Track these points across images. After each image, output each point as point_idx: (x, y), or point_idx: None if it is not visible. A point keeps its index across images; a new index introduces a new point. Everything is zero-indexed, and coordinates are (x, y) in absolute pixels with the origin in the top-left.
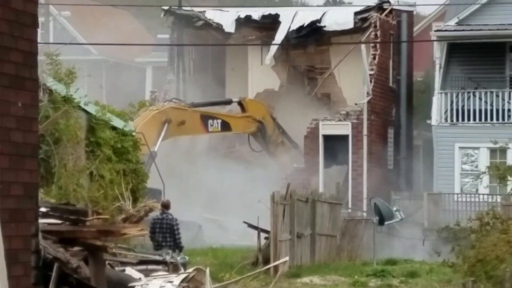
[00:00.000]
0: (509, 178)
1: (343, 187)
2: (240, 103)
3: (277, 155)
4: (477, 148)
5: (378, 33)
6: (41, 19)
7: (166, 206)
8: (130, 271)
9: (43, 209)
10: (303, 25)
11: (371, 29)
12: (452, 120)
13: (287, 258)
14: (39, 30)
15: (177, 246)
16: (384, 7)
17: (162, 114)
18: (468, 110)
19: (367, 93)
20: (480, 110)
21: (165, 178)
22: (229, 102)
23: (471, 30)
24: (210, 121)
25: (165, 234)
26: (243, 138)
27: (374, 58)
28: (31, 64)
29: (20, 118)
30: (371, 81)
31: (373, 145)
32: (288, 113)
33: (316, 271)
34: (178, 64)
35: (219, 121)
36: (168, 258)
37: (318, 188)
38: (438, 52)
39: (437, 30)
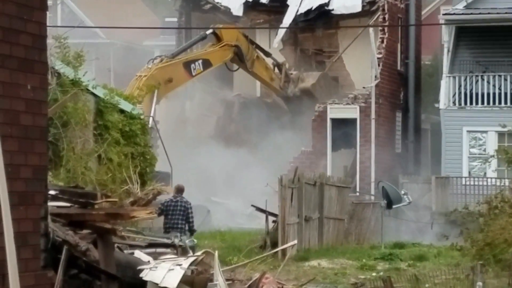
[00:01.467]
0: None
1: (351, 170)
2: (215, 33)
3: (254, 71)
4: (485, 131)
5: (386, 16)
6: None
7: (180, 190)
8: (139, 254)
9: (52, 192)
10: (311, 8)
11: (379, 13)
12: (460, 104)
13: (295, 242)
14: (47, 13)
15: (190, 229)
16: None
17: (151, 80)
18: (476, 94)
19: (375, 76)
20: (488, 94)
21: (172, 161)
22: (204, 37)
23: (479, 13)
24: (192, 65)
25: (178, 216)
26: (251, 119)
27: (382, 42)
28: (40, 47)
29: (29, 101)
30: (379, 65)
31: (381, 129)
32: (296, 97)
33: (324, 254)
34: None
35: (200, 61)
36: (176, 241)
37: (326, 172)
38: (446, 36)
39: (445, 14)
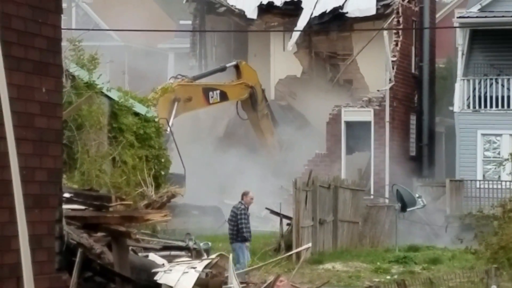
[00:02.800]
0: None
1: (365, 173)
2: (236, 67)
3: (261, 126)
4: (500, 134)
5: (401, 19)
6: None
7: (243, 194)
8: (153, 257)
9: (66, 195)
10: (325, 11)
11: (393, 16)
12: (474, 107)
13: (309, 245)
14: (62, 16)
15: (240, 236)
16: None
17: (171, 93)
18: (491, 97)
19: (390, 79)
20: (502, 97)
21: (186, 163)
22: (223, 68)
23: (494, 16)
24: (210, 93)
25: (230, 223)
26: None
27: (397, 45)
28: (55, 50)
29: (44, 103)
30: (393, 68)
31: (395, 132)
32: (310, 100)
33: (338, 257)
34: (200, 51)
35: (218, 91)
36: (191, 244)
37: (340, 175)
38: (461, 39)
39: (460, 17)
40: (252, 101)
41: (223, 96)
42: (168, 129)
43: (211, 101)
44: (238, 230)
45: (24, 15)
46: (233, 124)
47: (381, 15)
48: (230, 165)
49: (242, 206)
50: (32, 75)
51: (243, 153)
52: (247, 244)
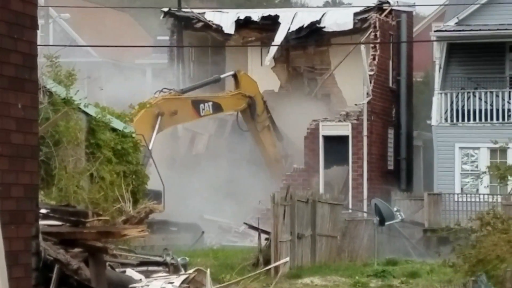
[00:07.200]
0: (509, 178)
1: (343, 187)
2: (235, 76)
3: (261, 137)
4: (477, 148)
5: (378, 33)
6: (41, 22)
7: None
8: (130, 272)
9: (43, 211)
10: (303, 26)
11: (370, 30)
12: (452, 120)
13: (287, 259)
14: (38, 32)
15: None
16: (384, 7)
17: (155, 108)
18: (468, 110)
19: (367, 93)
20: (480, 110)
21: (164, 179)
22: (217, 79)
23: (471, 30)
24: (201, 105)
25: None
26: (243, 138)
27: (374, 59)
28: (31, 66)
29: (20, 119)
30: (371, 82)
31: (373, 146)
32: (288, 114)
33: (316, 271)
34: (178, 66)
35: (210, 103)
36: (168, 259)
37: (319, 189)
38: (438, 52)
39: (437, 31)
40: (251, 111)
41: (217, 108)
42: (147, 144)
43: (202, 114)
44: None
45: None
46: (213, 141)
47: (358, 29)
48: (210, 181)
49: None
50: (8, 91)
51: (224, 170)
52: None
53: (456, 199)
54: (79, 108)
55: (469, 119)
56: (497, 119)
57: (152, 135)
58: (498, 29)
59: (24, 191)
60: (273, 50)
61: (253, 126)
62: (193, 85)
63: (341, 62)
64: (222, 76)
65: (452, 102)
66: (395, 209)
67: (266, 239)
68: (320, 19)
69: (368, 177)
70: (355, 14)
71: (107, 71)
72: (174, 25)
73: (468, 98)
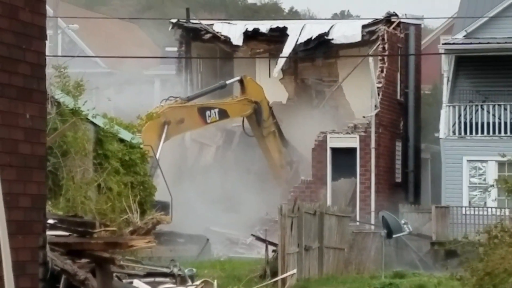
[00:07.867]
0: None
1: (351, 200)
2: (241, 81)
3: (267, 143)
4: (485, 161)
5: (386, 46)
6: (49, 32)
7: None
8: (137, 283)
9: (50, 221)
10: (311, 38)
11: (378, 42)
12: (460, 133)
13: (295, 271)
14: (47, 43)
15: None
16: (392, 20)
17: (161, 117)
18: (476, 123)
19: (375, 106)
20: (488, 123)
21: (172, 191)
22: (223, 85)
23: (479, 43)
24: (207, 112)
25: None
26: (250, 150)
27: (382, 71)
28: (39, 76)
29: (28, 130)
30: (379, 94)
31: (381, 158)
32: (296, 126)
33: (324, 284)
34: (186, 77)
35: (216, 110)
36: (175, 270)
37: (326, 201)
38: (446, 65)
39: (445, 43)
40: (257, 117)
41: (223, 114)
42: (154, 155)
43: (208, 120)
44: None
45: (7, 41)
46: (221, 152)
47: (366, 41)
48: (217, 192)
49: None
50: (16, 101)
51: (231, 182)
52: None
53: (463, 212)
54: (87, 119)
55: (477, 132)
56: (505, 132)
57: (159, 144)
58: (506, 42)
59: (32, 201)
60: (281, 62)
61: (259, 132)
62: (199, 92)
63: (349, 74)
64: (228, 82)
65: (460, 115)
66: (402, 221)
67: (274, 251)
68: (328, 31)
69: (375, 189)
70: (363, 27)
71: (115, 82)
72: (182, 36)
73: (476, 111)
